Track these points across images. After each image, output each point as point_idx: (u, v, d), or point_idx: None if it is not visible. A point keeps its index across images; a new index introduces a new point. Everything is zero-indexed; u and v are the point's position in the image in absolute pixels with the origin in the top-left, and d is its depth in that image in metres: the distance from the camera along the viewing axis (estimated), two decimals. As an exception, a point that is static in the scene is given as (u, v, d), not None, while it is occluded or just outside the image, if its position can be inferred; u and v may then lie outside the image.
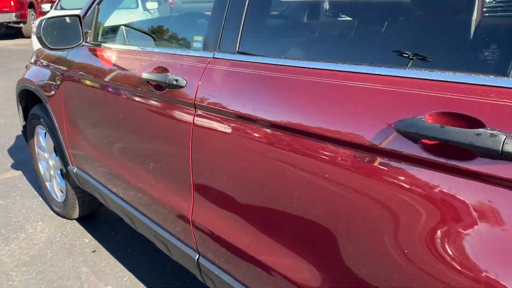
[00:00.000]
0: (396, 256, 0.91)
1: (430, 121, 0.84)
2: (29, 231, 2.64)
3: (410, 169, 0.88)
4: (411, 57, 1.05)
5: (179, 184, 1.54)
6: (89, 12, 2.08)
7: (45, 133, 2.70)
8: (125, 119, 1.78)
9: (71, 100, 2.19)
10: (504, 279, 0.75)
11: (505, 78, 0.81)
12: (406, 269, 0.90)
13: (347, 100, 0.99)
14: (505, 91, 0.79)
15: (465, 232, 0.81)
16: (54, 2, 8.79)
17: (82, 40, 1.96)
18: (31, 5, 12.15)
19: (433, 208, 0.84)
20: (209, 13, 1.48)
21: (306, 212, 1.10)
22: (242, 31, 1.32)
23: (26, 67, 2.78)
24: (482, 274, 0.78)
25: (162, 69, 1.53)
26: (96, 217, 2.80)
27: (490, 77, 0.82)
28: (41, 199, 3.03)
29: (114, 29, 2.10)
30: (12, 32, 12.95)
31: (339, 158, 0.99)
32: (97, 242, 2.51)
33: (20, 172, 3.48)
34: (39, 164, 2.91)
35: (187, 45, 1.80)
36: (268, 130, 1.16)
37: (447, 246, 0.83)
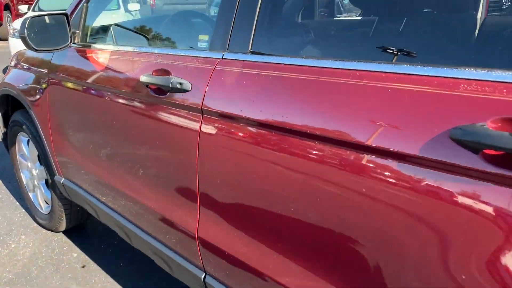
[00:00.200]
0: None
1: (494, 128, 0.73)
2: (11, 246, 2.46)
3: (468, 183, 0.77)
4: (414, 55, 0.96)
5: (183, 196, 1.41)
6: (76, 10, 1.93)
7: (28, 140, 2.53)
8: (120, 126, 1.64)
9: (58, 106, 2.03)
10: None
11: None
12: None
13: (388, 105, 0.88)
14: None
15: None
16: (32, 3, 8.53)
17: (70, 40, 1.81)
18: (6, 7, 11.77)
19: (501, 231, 0.73)
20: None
21: (334, 233, 0.98)
22: (255, 29, 1.20)
23: (5, 71, 2.60)
24: None
25: (163, 72, 1.40)
26: (84, 229, 2.63)
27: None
28: (24, 210, 2.85)
29: (104, 29, 1.95)
30: (-13, 35, 12.55)
31: (381, 173, 0.88)
32: (86, 256, 2.35)
33: (-1, 181, 3.29)
34: (22, 174, 2.73)
35: (190, 45, 1.67)
36: (290, 138, 1.04)
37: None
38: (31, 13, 7.31)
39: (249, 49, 1.21)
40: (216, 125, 1.23)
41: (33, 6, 7.50)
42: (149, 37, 1.80)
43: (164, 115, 1.41)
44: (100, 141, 1.79)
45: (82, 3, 1.90)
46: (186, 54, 1.38)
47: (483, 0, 1.50)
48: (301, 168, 1.02)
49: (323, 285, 1.05)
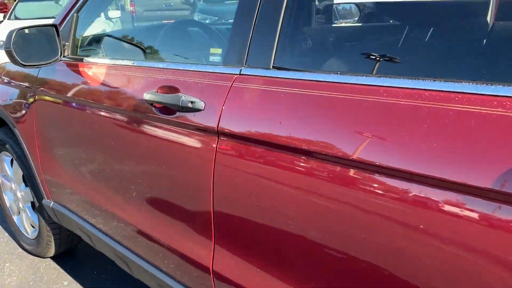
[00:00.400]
0: None
1: None
2: (-5, 275, 2.28)
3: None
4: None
5: (196, 226, 1.27)
6: (65, 21, 1.78)
7: (12, 160, 2.35)
8: (119, 147, 1.49)
9: (47, 124, 1.87)
10: None
11: None
12: None
13: (453, 132, 0.76)
14: None
15: None
16: (7, 11, 8.26)
17: (60, 54, 1.65)
18: (-20, 16, 11.41)
19: None
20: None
21: (382, 276, 0.86)
22: (278, 41, 1.08)
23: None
24: None
25: (170, 89, 1.26)
26: (74, 253, 2.46)
27: None
28: (7, 234, 2.66)
29: (97, 41, 1.80)
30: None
31: (439, 208, 0.76)
32: (78, 285, 2.18)
33: (-21, 202, 3.08)
34: (4, 195, 2.54)
35: (200, 59, 1.53)
36: (328, 166, 0.92)
37: None
38: (7, 22, 7.06)
39: (272, 63, 1.08)
40: (235, 148, 1.10)
41: (8, 14, 7.26)
42: (150, 50, 1.66)
43: (172, 137, 1.27)
44: (95, 163, 1.64)
45: (71, 13, 1.74)
46: (197, 70, 1.24)
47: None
48: (340, 199, 0.90)
49: None
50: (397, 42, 1.13)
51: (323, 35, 1.51)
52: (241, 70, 1.13)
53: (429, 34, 1.06)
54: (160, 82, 1.31)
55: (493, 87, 0.75)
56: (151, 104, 1.30)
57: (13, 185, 2.41)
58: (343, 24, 1.62)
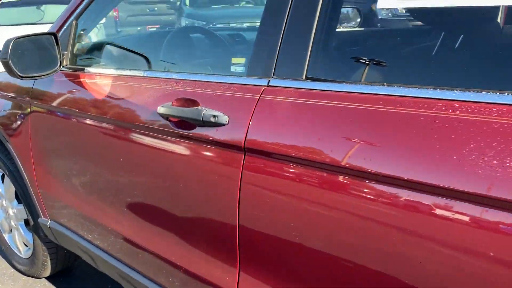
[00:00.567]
0: None
1: None
2: (-13, 298, 2.14)
3: None
4: None
5: (219, 249, 1.18)
6: (63, 29, 1.67)
7: (3, 175, 2.22)
8: (128, 163, 1.39)
9: (44, 139, 1.75)
10: None
11: None
12: None
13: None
14: None
15: None
16: (-13, 18, 8.01)
17: (59, 64, 1.54)
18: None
19: None
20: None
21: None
22: (311, 49, 0.99)
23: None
24: None
25: (188, 102, 1.17)
26: (71, 272, 2.33)
27: None
28: (-3, 254, 2.52)
29: (99, 49, 1.70)
30: None
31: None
32: (77, 307, 2.06)
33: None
34: (-6, 213, 2.41)
35: (220, 69, 1.44)
36: (374, 187, 0.84)
37: None
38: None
39: (304, 74, 1.00)
40: (265, 166, 1.02)
41: (-11, 21, 7.03)
42: (161, 59, 1.56)
43: (191, 154, 1.18)
44: (102, 181, 1.53)
45: (70, 19, 1.64)
46: (217, 81, 1.15)
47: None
48: (388, 222, 0.82)
49: None
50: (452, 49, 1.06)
51: (366, 40, 1.43)
52: (269, 81, 1.05)
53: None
54: (175, 94, 1.22)
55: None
56: (166, 118, 1.21)
57: (4, 202, 2.28)
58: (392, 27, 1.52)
